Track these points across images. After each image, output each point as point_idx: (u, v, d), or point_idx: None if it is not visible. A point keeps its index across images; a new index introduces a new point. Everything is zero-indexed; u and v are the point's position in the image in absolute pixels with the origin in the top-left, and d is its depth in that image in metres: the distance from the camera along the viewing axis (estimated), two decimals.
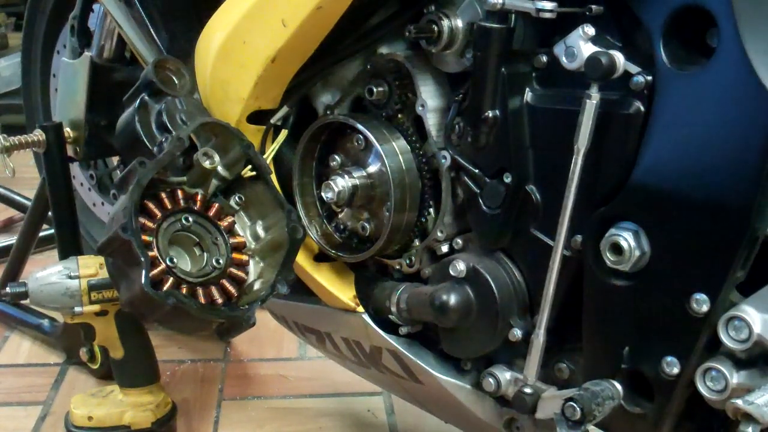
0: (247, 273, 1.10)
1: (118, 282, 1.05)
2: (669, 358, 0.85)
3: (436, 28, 0.98)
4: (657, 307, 0.85)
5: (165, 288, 1.01)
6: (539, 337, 0.92)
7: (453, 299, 1.00)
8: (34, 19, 1.92)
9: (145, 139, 1.13)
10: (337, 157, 1.12)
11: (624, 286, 0.87)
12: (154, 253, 1.03)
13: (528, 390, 0.93)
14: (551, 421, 0.89)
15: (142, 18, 1.39)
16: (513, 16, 0.91)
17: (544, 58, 0.92)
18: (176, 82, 1.21)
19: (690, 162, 0.81)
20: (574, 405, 0.86)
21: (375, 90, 1.06)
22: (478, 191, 0.99)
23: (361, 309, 1.14)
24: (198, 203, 1.10)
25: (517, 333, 0.98)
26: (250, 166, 1.10)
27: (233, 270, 1.09)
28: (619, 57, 0.84)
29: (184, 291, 1.03)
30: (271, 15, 1.04)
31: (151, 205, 1.06)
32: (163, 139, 1.10)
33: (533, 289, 0.98)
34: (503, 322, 0.99)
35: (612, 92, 0.85)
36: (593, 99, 0.85)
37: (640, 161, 0.84)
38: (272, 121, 1.14)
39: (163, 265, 1.02)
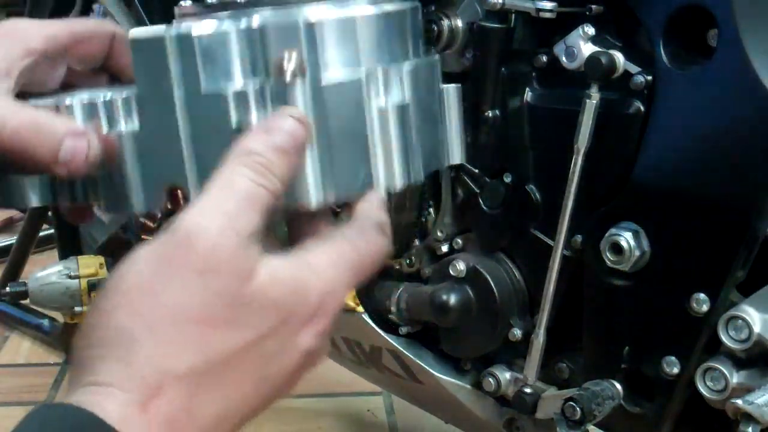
0: None
1: None
2: (669, 358, 0.84)
3: (435, 28, 0.98)
4: (657, 307, 0.85)
5: None
6: (539, 337, 0.92)
7: (453, 299, 1.00)
8: None
9: None
10: None
11: (624, 286, 0.87)
12: None
13: (528, 390, 0.93)
14: (551, 421, 0.89)
15: (142, 18, 1.39)
16: (513, 15, 0.91)
17: (544, 58, 0.92)
18: None
19: (690, 162, 0.81)
20: (574, 405, 0.86)
21: None
22: (478, 191, 0.99)
23: (361, 309, 1.14)
24: None
25: (517, 333, 0.98)
26: None
27: None
28: (619, 57, 0.84)
29: None
30: None
31: None
32: None
33: (533, 289, 0.98)
34: (503, 321, 0.99)
35: (612, 92, 0.85)
36: (593, 99, 0.84)
37: (640, 161, 0.84)
38: None
39: None
